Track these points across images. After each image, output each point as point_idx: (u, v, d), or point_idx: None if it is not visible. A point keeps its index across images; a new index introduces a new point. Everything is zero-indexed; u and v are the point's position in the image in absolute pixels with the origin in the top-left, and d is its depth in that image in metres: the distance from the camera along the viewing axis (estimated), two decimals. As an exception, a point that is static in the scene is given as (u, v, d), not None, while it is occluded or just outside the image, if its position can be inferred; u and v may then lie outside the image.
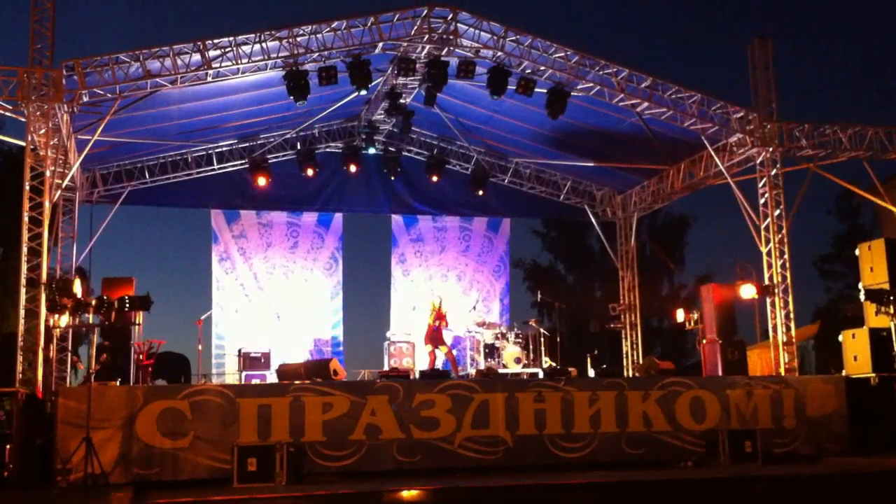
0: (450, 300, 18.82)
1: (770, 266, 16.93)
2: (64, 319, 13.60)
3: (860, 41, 76.36)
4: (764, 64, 17.22)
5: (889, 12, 73.79)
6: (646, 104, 16.78)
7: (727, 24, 74.63)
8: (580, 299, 32.91)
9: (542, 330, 18.14)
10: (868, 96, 66.58)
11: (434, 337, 17.57)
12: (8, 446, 11.68)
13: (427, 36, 15.68)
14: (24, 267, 13.43)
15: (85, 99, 14.25)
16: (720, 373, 15.94)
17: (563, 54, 16.24)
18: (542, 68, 16.26)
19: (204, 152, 19.72)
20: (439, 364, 17.59)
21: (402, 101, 17.72)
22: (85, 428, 11.39)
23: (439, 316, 17.63)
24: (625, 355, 21.97)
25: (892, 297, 14.20)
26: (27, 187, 13.76)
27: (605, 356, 22.00)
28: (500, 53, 16.01)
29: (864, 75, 72.57)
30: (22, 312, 13.21)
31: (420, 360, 18.62)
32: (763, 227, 17.11)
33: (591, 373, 17.42)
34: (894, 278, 15.03)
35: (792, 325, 16.72)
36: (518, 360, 17.54)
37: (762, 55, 17.25)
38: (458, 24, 15.76)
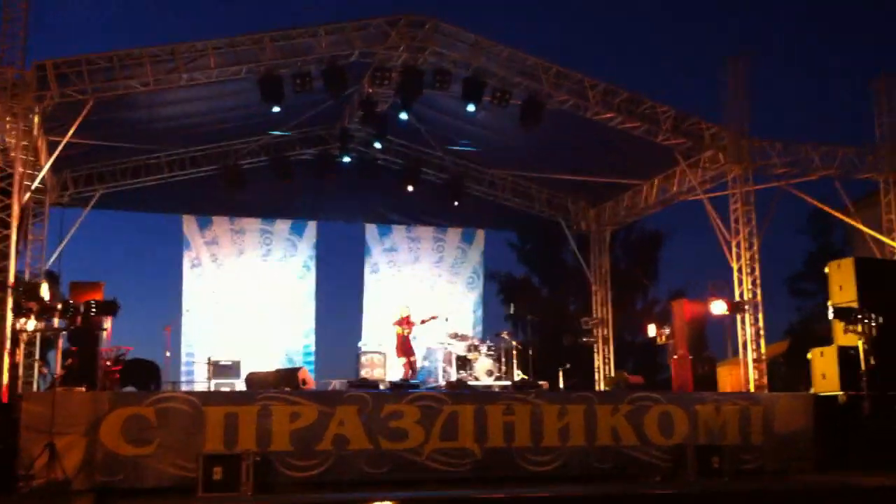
0: (422, 311, 18.73)
1: (741, 283, 17.03)
2: (31, 323, 13.44)
3: (832, 60, 77.20)
4: (737, 82, 17.32)
5: (860, 30, 74.77)
6: (620, 118, 16.85)
7: (700, 43, 75.34)
8: (554, 313, 32.91)
9: (514, 343, 18.11)
10: (839, 114, 67.23)
11: (405, 347, 17.53)
12: (-31, 451, 11.51)
13: (403, 45, 15.67)
14: (-9, 269, 13.28)
15: (56, 100, 14.12)
16: (690, 388, 15.97)
17: (538, 67, 16.29)
18: (518, 80, 16.29)
19: (177, 157, 19.58)
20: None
21: (377, 109, 17.68)
22: (49, 433, 11.24)
23: (407, 323, 17.58)
24: (597, 369, 21.99)
25: (860, 316, 14.30)
26: (-5, 189, 13.63)
27: (577, 370, 22.00)
28: (475, 64, 16.03)
29: (835, 94, 73.40)
30: (-12, 315, 13.05)
31: (391, 371, 18.53)
32: (734, 243, 17.21)
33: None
34: (863, 297, 15.13)
35: (762, 341, 16.81)
36: (490, 373, 17.48)
37: (735, 74, 17.35)
38: (435, 35, 15.77)
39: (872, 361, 14.31)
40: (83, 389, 12.71)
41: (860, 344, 14.42)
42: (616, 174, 20.06)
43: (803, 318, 34.71)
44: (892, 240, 17.76)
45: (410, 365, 17.59)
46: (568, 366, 18.77)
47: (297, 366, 18.33)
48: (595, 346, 22.17)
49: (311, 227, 21.28)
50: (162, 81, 14.84)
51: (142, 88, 14.82)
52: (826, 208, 18.95)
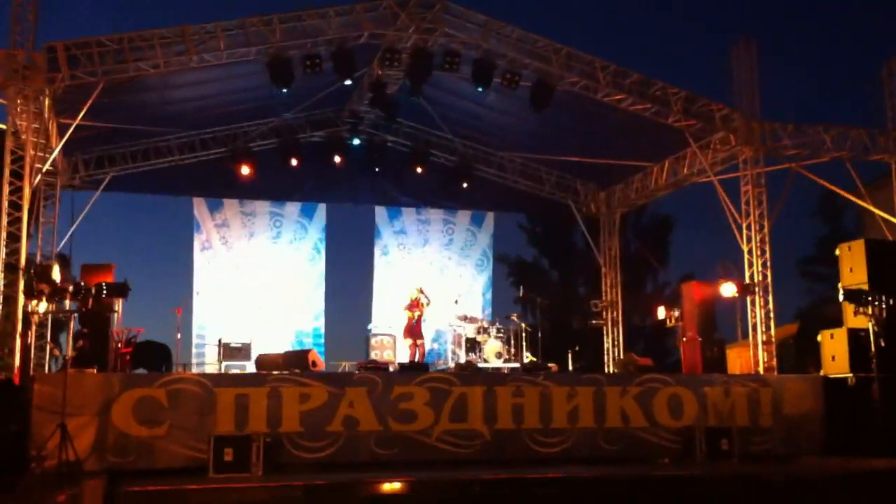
0: (432, 294, 18.79)
1: (751, 265, 16.99)
2: (42, 305, 13.52)
3: (842, 42, 76.66)
4: (748, 63, 17.24)
5: (868, 14, 74.17)
6: (631, 100, 16.78)
7: (710, 25, 74.80)
8: (564, 295, 32.94)
9: (523, 325, 18.14)
10: (849, 98, 66.81)
11: (413, 330, 17.61)
12: (-18, 432, 11.61)
13: (413, 27, 15.62)
14: (3, 252, 13.33)
15: (67, 83, 14.14)
16: (699, 370, 15.97)
17: (549, 48, 16.23)
18: (528, 61, 16.24)
19: (187, 139, 19.61)
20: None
21: (386, 91, 17.65)
22: (60, 415, 11.32)
23: (417, 306, 17.65)
24: (606, 352, 22.01)
25: (870, 298, 14.25)
26: (7, 172, 13.66)
27: (586, 353, 22.05)
28: (485, 46, 15.98)
29: (846, 76, 72.88)
30: (0, 298, 13.14)
31: (401, 354, 18.60)
32: (745, 225, 17.16)
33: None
34: (873, 279, 15.09)
35: (771, 324, 16.78)
36: (499, 355, 17.53)
37: (746, 55, 17.26)
38: (444, 16, 15.71)
39: (882, 343, 14.26)
40: (94, 371, 12.80)
41: (870, 326, 14.37)
42: (626, 156, 19.99)
43: (814, 300, 34.63)
44: (904, 222, 17.68)
45: (418, 348, 17.68)
46: (577, 348, 18.79)
47: (307, 348, 18.41)
48: (604, 328, 22.18)
49: (321, 210, 21.31)
50: (172, 64, 14.83)
51: (152, 71, 14.82)
52: (837, 190, 18.85)
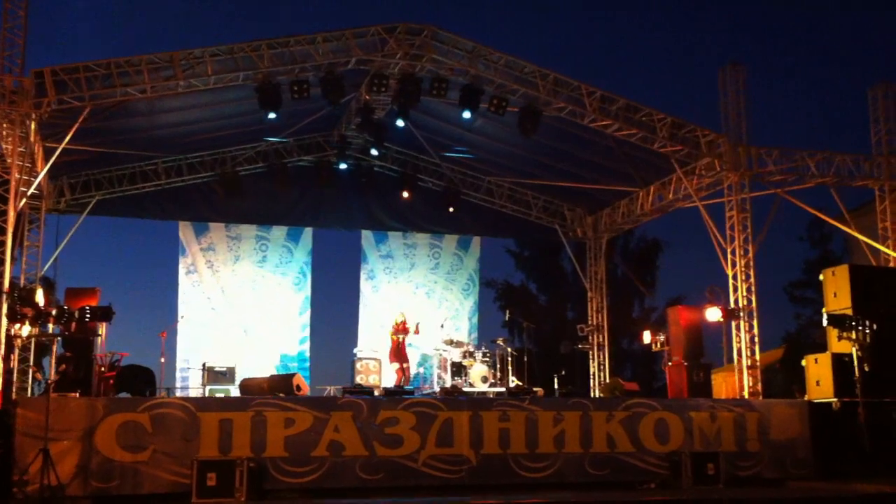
0: (418, 318, 18.75)
1: (736, 290, 17.03)
2: (26, 329, 13.44)
3: (827, 70, 77.42)
4: (735, 89, 17.38)
5: (854, 41, 74.98)
6: (617, 125, 16.86)
7: (698, 52, 75.56)
8: (551, 320, 32.94)
9: (509, 349, 18.11)
10: (834, 124, 67.43)
11: (399, 354, 17.58)
12: (-36, 457, 11.51)
13: (401, 52, 15.69)
14: (-13, 275, 13.27)
15: (54, 107, 14.13)
16: (685, 395, 15.97)
17: (536, 74, 16.32)
18: (515, 87, 16.32)
19: (174, 164, 19.59)
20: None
21: (374, 116, 17.71)
22: (43, 439, 11.24)
23: (402, 330, 17.65)
24: (592, 376, 21.99)
25: (854, 323, 14.31)
26: (-8, 195, 13.65)
27: (573, 377, 22.01)
28: (472, 72, 16.06)
29: (831, 103, 73.57)
30: (-18, 321, 13.06)
31: (387, 377, 18.54)
32: (730, 250, 17.21)
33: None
34: (857, 304, 15.16)
35: (756, 348, 16.81)
36: (485, 379, 17.48)
37: (733, 81, 17.40)
38: (432, 42, 15.79)
39: (867, 368, 14.32)
40: (77, 395, 12.72)
41: (854, 351, 14.43)
42: (613, 182, 20.09)
43: (801, 324, 34.73)
44: (888, 247, 17.78)
45: (403, 371, 17.65)
46: (563, 372, 18.75)
47: (292, 372, 18.32)
48: (590, 352, 22.17)
49: (308, 234, 21.27)
50: (159, 89, 14.84)
51: (139, 95, 14.83)
52: (821, 216, 18.98)
